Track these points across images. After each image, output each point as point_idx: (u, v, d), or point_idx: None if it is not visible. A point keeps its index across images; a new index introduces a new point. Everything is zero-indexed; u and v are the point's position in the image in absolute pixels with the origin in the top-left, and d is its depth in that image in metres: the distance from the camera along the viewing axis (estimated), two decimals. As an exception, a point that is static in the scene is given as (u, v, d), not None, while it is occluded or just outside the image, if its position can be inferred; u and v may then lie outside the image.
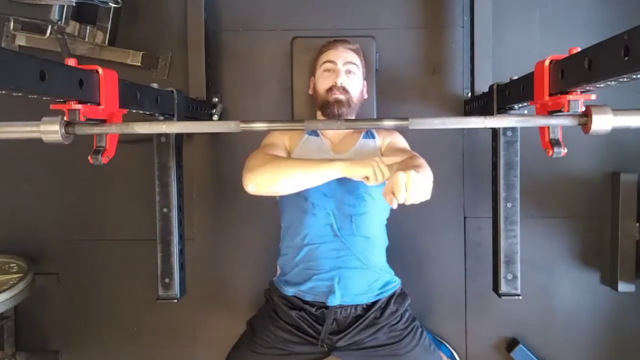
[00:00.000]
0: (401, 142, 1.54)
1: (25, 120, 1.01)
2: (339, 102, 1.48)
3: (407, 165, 1.24)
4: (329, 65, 1.53)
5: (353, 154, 1.48)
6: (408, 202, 1.07)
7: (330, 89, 1.50)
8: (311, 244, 1.42)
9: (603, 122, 0.98)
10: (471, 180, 1.90)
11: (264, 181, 1.28)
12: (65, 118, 1.00)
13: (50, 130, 0.99)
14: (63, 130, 1.00)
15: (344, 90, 1.49)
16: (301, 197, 1.42)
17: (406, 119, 1.08)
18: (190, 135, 1.89)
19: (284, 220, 1.52)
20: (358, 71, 1.55)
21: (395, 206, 1.10)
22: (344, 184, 1.42)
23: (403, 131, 1.78)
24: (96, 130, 1.08)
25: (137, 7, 1.89)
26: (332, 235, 1.41)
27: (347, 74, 1.52)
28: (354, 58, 1.55)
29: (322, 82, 1.53)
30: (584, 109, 1.01)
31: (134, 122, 1.10)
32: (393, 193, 1.07)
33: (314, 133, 1.54)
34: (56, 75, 0.90)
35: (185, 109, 1.57)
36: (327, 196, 1.42)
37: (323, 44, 1.61)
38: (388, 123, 1.10)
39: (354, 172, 1.24)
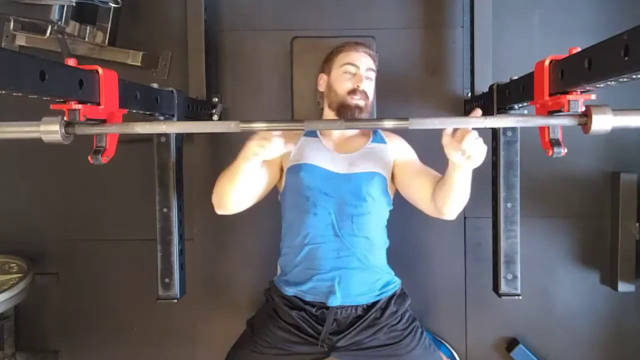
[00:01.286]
0: (414, 156, 1.54)
1: (25, 120, 1.01)
2: (359, 107, 1.49)
3: None
4: (351, 68, 1.52)
5: (360, 156, 1.48)
6: (470, 151, 1.11)
7: (353, 92, 1.49)
8: (312, 243, 1.42)
9: (603, 122, 0.97)
10: (471, 180, 1.89)
11: (219, 201, 1.36)
12: (65, 118, 1.00)
13: (51, 130, 0.99)
14: (63, 130, 1.00)
15: (365, 96, 1.51)
16: (302, 197, 1.42)
17: (406, 118, 1.08)
18: (190, 135, 1.89)
19: (285, 220, 1.52)
20: (374, 77, 1.57)
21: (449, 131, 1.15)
22: (346, 184, 1.42)
23: (403, 131, 1.79)
24: (96, 130, 1.08)
25: (137, 7, 1.89)
26: (333, 235, 1.41)
27: (366, 79, 1.53)
28: (373, 65, 1.56)
29: (342, 83, 1.52)
30: (584, 108, 1.01)
31: (134, 122, 1.10)
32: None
33: (313, 134, 1.54)
34: (56, 75, 0.90)
35: (185, 109, 1.57)
36: (329, 196, 1.42)
37: (341, 44, 1.59)
38: (388, 123, 1.10)
39: (246, 153, 1.24)
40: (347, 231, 1.41)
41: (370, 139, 1.53)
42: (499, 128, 1.52)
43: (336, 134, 1.55)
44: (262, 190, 1.45)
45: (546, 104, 1.09)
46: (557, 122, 1.06)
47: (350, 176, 1.44)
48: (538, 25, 1.88)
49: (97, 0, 1.55)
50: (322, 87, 1.60)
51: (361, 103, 1.49)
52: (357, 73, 1.51)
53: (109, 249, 1.94)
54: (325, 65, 1.61)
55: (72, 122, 1.02)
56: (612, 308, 1.92)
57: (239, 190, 1.32)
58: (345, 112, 1.49)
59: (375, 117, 1.75)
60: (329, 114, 1.57)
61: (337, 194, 1.42)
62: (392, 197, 1.51)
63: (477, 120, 1.09)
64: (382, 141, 1.54)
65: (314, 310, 1.42)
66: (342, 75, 1.53)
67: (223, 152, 1.93)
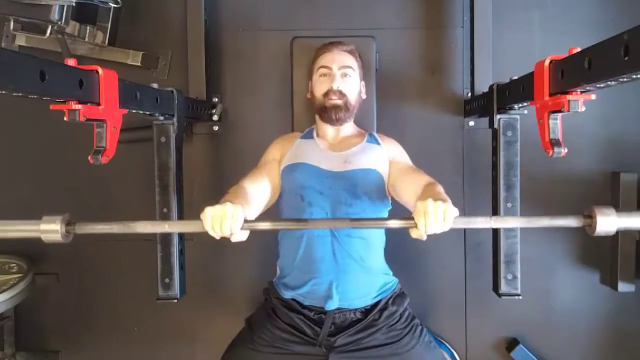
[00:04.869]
0: (407, 159, 1.51)
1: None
2: (336, 107, 1.49)
3: (432, 194, 1.08)
4: (324, 70, 1.53)
5: (355, 153, 1.48)
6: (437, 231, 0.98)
7: (326, 94, 1.50)
8: (308, 244, 1.41)
9: (607, 224, 0.96)
10: (471, 180, 1.90)
11: None
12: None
13: (50, 230, 0.98)
14: (64, 230, 0.99)
15: (341, 94, 1.50)
16: (297, 196, 1.42)
17: (412, 218, 1.00)
18: (190, 135, 1.89)
19: None
20: (354, 73, 1.55)
21: (424, 237, 1.01)
22: (340, 182, 1.41)
23: (402, 132, 1.79)
24: (98, 229, 1.04)
25: (137, 7, 1.89)
26: (330, 236, 1.40)
27: (342, 77, 1.52)
28: (349, 60, 1.55)
29: (319, 87, 1.54)
30: (584, 109, 1.01)
31: (135, 221, 1.03)
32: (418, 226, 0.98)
33: (309, 136, 1.55)
34: (56, 75, 0.90)
35: (185, 109, 1.57)
36: (324, 195, 1.41)
37: (318, 47, 1.61)
38: (394, 223, 1.03)
39: None
40: (344, 231, 1.40)
41: (365, 139, 1.53)
42: (499, 127, 1.52)
43: (331, 134, 1.55)
44: (270, 198, 1.40)
45: (546, 104, 1.09)
46: (562, 224, 1.01)
47: (344, 174, 1.43)
48: (538, 25, 1.88)
49: (97, 0, 1.55)
50: (309, 94, 1.62)
51: (338, 102, 1.49)
52: (330, 73, 1.52)
53: (109, 249, 1.94)
54: (310, 72, 1.64)
55: (72, 221, 1.00)
56: (612, 308, 1.92)
57: None
58: (324, 115, 1.51)
59: (374, 117, 1.75)
60: (316, 118, 1.58)
61: (332, 192, 1.41)
62: (390, 197, 1.51)
63: (483, 220, 1.02)
64: (377, 142, 1.53)
65: (312, 314, 1.41)
66: (318, 79, 1.55)
67: (223, 152, 1.93)
